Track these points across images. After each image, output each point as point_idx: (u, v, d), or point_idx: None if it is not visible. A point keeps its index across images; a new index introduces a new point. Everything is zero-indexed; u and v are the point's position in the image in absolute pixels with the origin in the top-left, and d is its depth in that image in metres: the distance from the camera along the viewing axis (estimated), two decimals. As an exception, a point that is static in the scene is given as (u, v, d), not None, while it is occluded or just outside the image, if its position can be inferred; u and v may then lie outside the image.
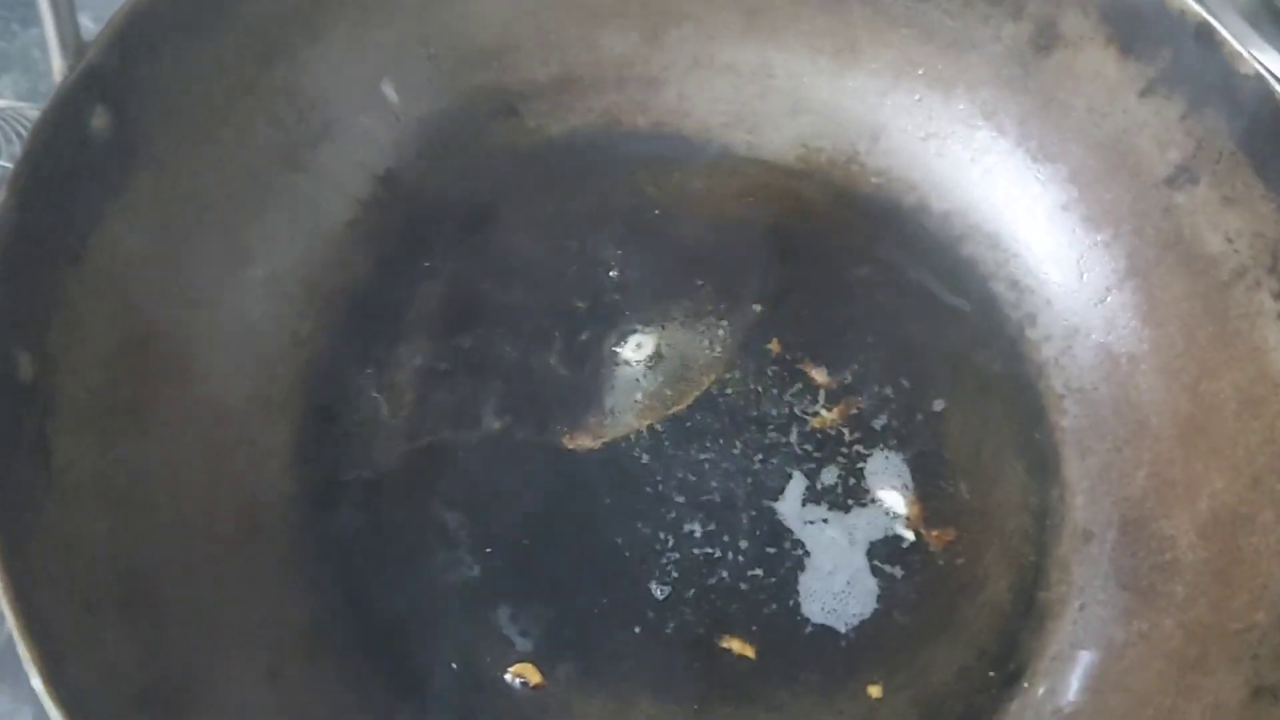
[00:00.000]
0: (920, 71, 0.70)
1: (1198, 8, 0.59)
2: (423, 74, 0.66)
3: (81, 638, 0.43)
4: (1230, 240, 0.61)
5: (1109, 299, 0.66)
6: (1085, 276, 0.67)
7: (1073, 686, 0.57)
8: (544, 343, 0.64)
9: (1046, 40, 0.66)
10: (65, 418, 0.47)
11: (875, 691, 0.57)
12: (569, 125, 0.70)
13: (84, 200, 0.50)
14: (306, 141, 0.62)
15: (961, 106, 0.70)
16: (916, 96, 0.71)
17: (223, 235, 0.58)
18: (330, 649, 0.54)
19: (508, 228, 0.67)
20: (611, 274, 0.66)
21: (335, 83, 0.63)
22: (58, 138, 0.48)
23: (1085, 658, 0.58)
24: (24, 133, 0.78)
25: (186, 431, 0.54)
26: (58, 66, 0.48)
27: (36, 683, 0.37)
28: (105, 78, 0.50)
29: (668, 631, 0.57)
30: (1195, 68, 0.61)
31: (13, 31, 0.91)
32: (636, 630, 0.57)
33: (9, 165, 0.82)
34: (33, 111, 0.81)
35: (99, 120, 0.50)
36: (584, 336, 0.65)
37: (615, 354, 0.64)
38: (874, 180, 0.71)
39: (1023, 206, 0.69)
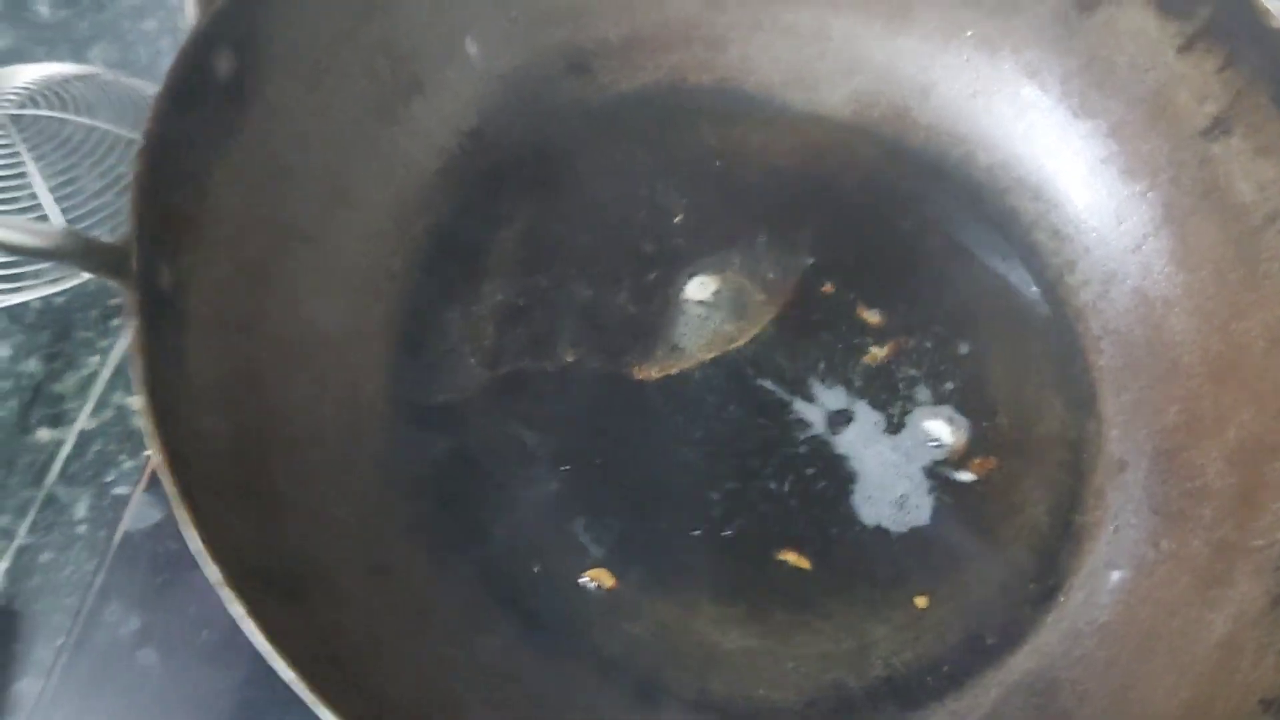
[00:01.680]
0: (969, 33, 0.74)
1: (1233, -34, 0.63)
2: (502, 32, 0.71)
3: (214, 520, 0.49)
4: (1263, 188, 0.65)
5: (1145, 245, 0.70)
6: (1123, 225, 0.71)
7: (1105, 601, 0.61)
8: (614, 282, 0.69)
9: (1089, 1, 0.70)
10: (194, 330, 0.53)
11: (921, 602, 0.62)
12: (638, 82, 0.75)
13: (208, 135, 0.56)
14: (399, 94, 0.68)
15: (1007, 66, 0.74)
16: (965, 57, 0.75)
17: (324, 177, 0.64)
18: (427, 550, 0.59)
19: (580, 177, 0.72)
20: (676, 220, 0.71)
21: (424, 39, 0.68)
22: (190, 76, 0.53)
23: (1117, 575, 0.62)
24: (112, 95, 0.86)
25: (293, 351, 0.60)
26: (191, 12, 0.53)
27: (195, 544, 0.43)
28: (230, 24, 0.55)
29: (727, 542, 0.62)
30: (1231, 24, 0.64)
31: (102, 4, 0.99)
32: (698, 539, 0.62)
33: (102, 125, 0.89)
34: (127, 80, 0.88)
35: (224, 62, 0.55)
36: (651, 277, 0.69)
37: (680, 293, 0.69)
38: (923, 135, 0.75)
39: (1064, 160, 0.73)
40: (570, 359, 0.67)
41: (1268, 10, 0.62)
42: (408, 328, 0.66)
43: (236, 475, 0.52)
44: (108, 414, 0.91)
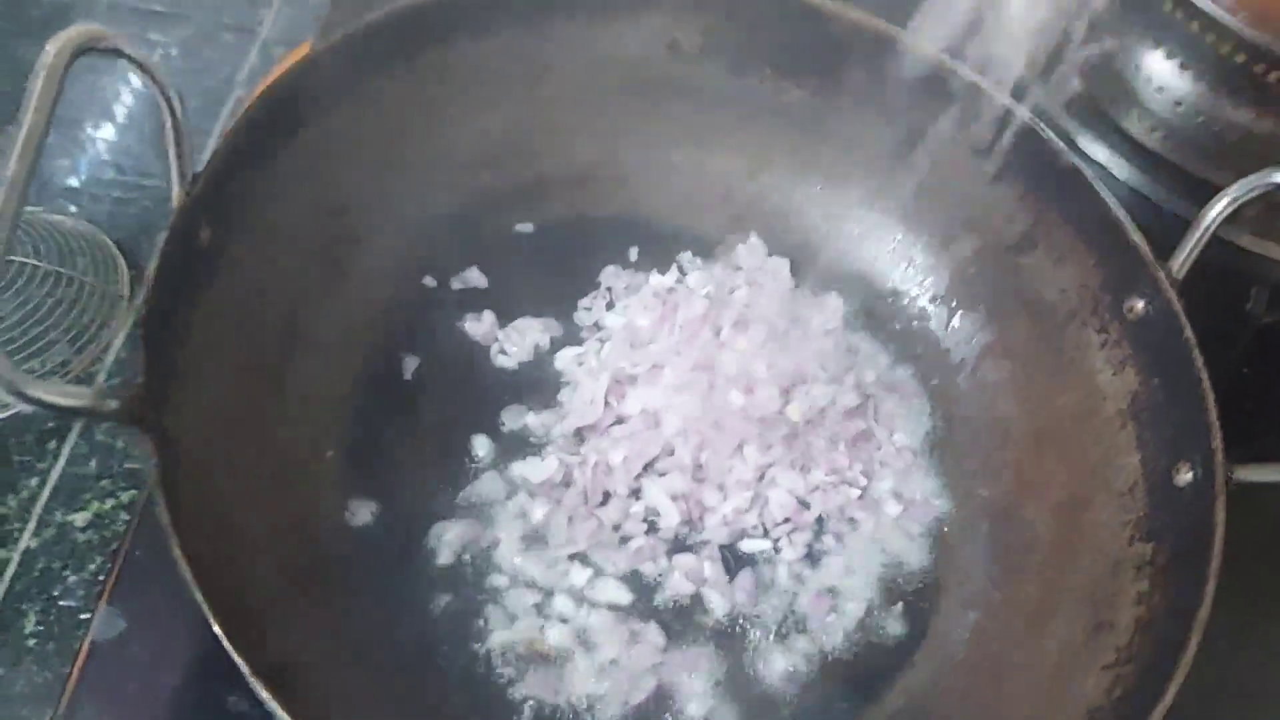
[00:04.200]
0: (822, 167, 0.88)
1: (1027, 115, 0.78)
2: (433, 185, 0.83)
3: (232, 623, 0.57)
4: (1062, 290, 0.80)
5: (975, 339, 0.85)
6: (958, 322, 0.85)
7: (962, 639, 0.74)
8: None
9: (915, 140, 0.84)
10: (185, 468, 0.61)
11: (814, 652, 0.73)
12: (549, 217, 0.87)
13: (189, 294, 0.65)
14: (342, 247, 0.79)
15: (854, 194, 0.88)
16: (818, 187, 0.89)
17: (281, 320, 0.74)
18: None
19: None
20: (585, 336, 0.83)
21: (363, 199, 0.80)
22: (176, 246, 0.63)
23: (970, 617, 0.75)
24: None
25: (264, 477, 0.69)
26: (176, 194, 0.63)
27: (227, 646, 0.51)
28: (209, 200, 0.65)
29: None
30: (1029, 161, 0.80)
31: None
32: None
33: (32, 262, 0.97)
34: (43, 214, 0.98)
35: (204, 233, 0.65)
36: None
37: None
38: (790, 253, 0.88)
39: (907, 267, 0.88)
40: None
41: (1058, 150, 0.78)
42: (353, 444, 0.75)
43: (232, 590, 0.61)
44: (50, 532, 0.97)
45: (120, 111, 1.27)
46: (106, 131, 1.26)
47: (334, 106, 0.75)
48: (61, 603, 0.94)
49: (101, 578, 0.97)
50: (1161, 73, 0.90)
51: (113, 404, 0.54)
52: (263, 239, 0.71)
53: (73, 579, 0.95)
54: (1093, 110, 0.99)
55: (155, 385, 0.58)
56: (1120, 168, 0.96)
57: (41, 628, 0.92)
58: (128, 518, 1.01)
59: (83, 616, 0.96)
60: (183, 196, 0.63)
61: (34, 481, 0.98)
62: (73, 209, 1.19)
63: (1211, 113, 0.88)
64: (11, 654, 0.89)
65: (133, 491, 1.01)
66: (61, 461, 1.02)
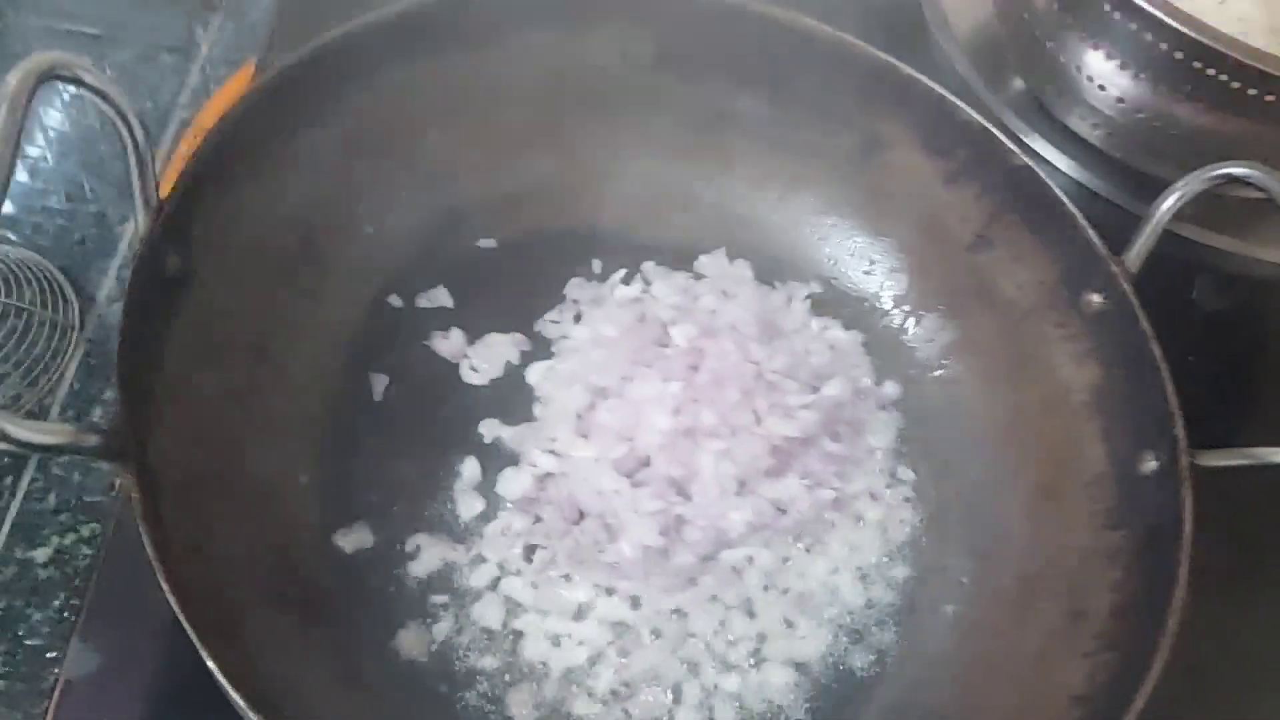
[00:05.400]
0: (780, 174, 0.89)
1: (979, 118, 0.80)
2: (394, 205, 0.83)
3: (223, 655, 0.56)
4: (1021, 287, 0.81)
5: (937, 338, 0.86)
6: (922, 321, 0.87)
7: (945, 633, 0.75)
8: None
9: (871, 146, 0.86)
10: (167, 497, 0.60)
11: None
12: (507, 232, 0.87)
13: (160, 322, 0.64)
14: (309, 269, 0.78)
15: (811, 199, 0.90)
16: (777, 194, 0.90)
17: (249, 343, 0.73)
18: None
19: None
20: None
21: (327, 222, 0.79)
22: (145, 275, 0.62)
23: (950, 610, 0.76)
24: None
25: (242, 502, 0.68)
26: (142, 222, 0.62)
27: (219, 679, 0.51)
28: (175, 227, 0.64)
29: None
30: (982, 162, 0.81)
31: None
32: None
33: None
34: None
35: (172, 261, 0.64)
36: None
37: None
38: (751, 259, 0.89)
39: (867, 271, 0.89)
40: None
41: (1010, 150, 0.79)
42: (328, 467, 0.75)
43: (222, 618, 0.60)
44: (11, 570, 0.94)
45: (57, 136, 1.25)
46: (44, 156, 1.23)
47: (294, 127, 0.75)
48: (28, 641, 0.92)
49: (66, 614, 0.95)
50: (1102, 71, 0.93)
51: (94, 439, 0.53)
52: (229, 263, 0.70)
53: (37, 617, 0.93)
54: (1036, 108, 1.02)
55: (135, 418, 0.57)
56: (1065, 164, 0.98)
57: (9, 668, 0.90)
58: (89, 552, 0.99)
59: (49, 655, 0.94)
60: (149, 224, 0.62)
61: (-9, 519, 0.95)
62: (13, 237, 1.16)
63: (1153, 109, 0.91)
64: (-24, 692, 0.86)
65: (93, 525, 0.99)
66: (19, 498, 1.00)
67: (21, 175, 1.22)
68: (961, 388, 0.84)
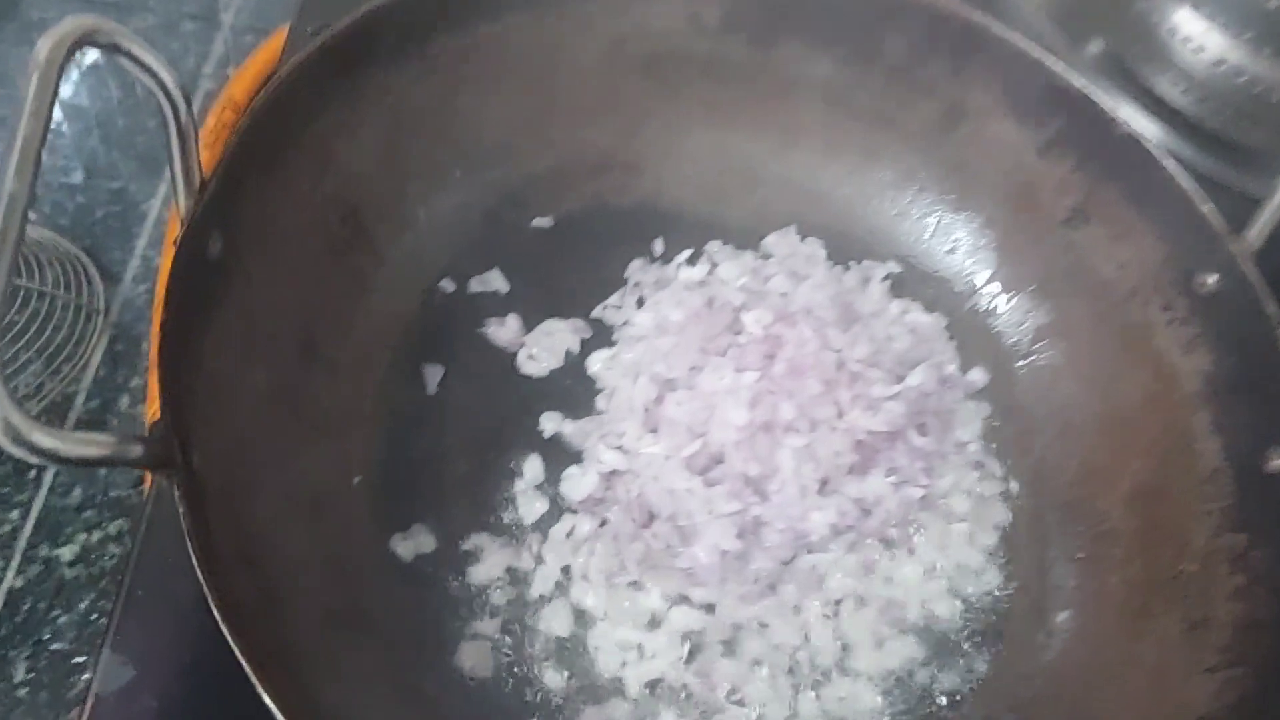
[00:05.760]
0: (854, 145, 0.83)
1: (1081, 82, 0.74)
2: (447, 185, 0.77)
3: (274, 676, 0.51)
4: (1122, 267, 0.75)
5: (1028, 321, 0.80)
6: (1010, 302, 0.81)
7: (1043, 643, 0.70)
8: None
9: (956, 114, 0.79)
10: (211, 504, 0.55)
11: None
12: (565, 208, 0.81)
13: (202, 312, 0.58)
14: (360, 258, 0.73)
15: (888, 173, 0.83)
16: (849, 167, 0.84)
17: (296, 336, 0.67)
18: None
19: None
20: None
21: (378, 205, 0.74)
22: (187, 260, 0.56)
23: (1052, 619, 0.70)
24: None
25: (290, 506, 0.63)
26: (184, 204, 0.56)
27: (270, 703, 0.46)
28: (218, 208, 0.58)
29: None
30: (1081, 130, 0.75)
31: None
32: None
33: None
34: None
35: (215, 244, 0.58)
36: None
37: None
38: (822, 237, 0.83)
39: (950, 249, 0.83)
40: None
41: (1114, 118, 0.73)
42: (380, 467, 0.69)
43: (271, 637, 0.55)
44: (35, 569, 0.90)
45: (79, 110, 1.19)
46: (66, 132, 1.18)
47: (342, 101, 0.69)
48: (52, 646, 0.87)
49: (94, 617, 0.90)
50: (1197, 31, 0.86)
51: (137, 450, 0.48)
52: (274, 248, 0.65)
53: (63, 619, 0.88)
54: (1119, 72, 0.95)
55: (178, 422, 0.52)
56: (1152, 132, 0.92)
57: (32, 675, 0.84)
58: (117, 550, 0.94)
59: (75, 661, 0.89)
60: (191, 206, 0.57)
61: (14, 514, 0.91)
62: (31, 216, 1.10)
63: (1254, 73, 0.84)
64: (1, 706, 0.82)
65: (120, 521, 0.95)
66: (43, 492, 0.95)
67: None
68: (1056, 375, 0.78)
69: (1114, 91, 0.93)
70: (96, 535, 0.95)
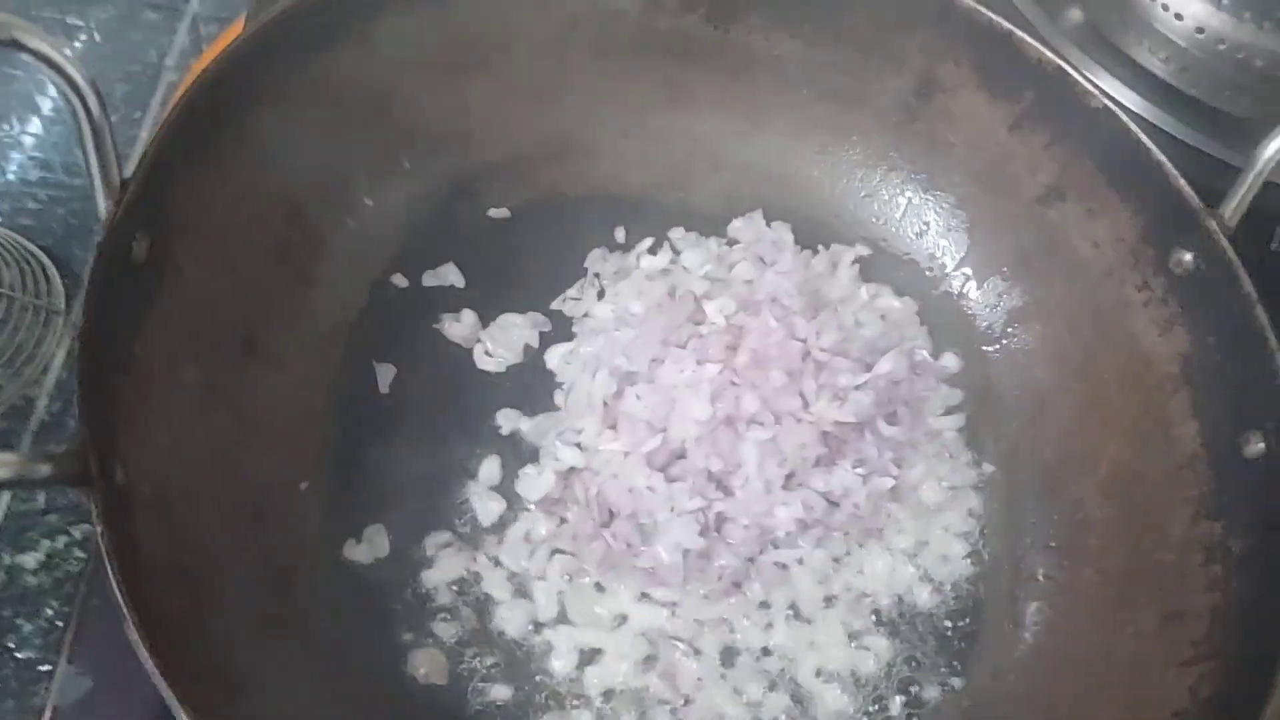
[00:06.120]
0: (822, 125, 0.80)
1: (1052, 55, 0.71)
2: (395, 174, 0.74)
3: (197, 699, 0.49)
4: (1097, 245, 0.73)
5: (1002, 303, 0.77)
6: (983, 285, 0.78)
7: (1018, 635, 0.68)
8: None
9: (927, 89, 0.77)
10: (141, 516, 0.53)
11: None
12: (520, 198, 0.79)
13: (129, 315, 0.56)
14: (303, 250, 0.71)
15: (858, 153, 0.81)
16: (819, 146, 0.81)
17: (237, 333, 0.65)
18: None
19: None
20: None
21: (320, 195, 0.71)
22: (107, 265, 0.54)
23: (1026, 610, 0.68)
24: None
25: (235, 514, 0.61)
26: (103, 205, 0.54)
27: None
28: (142, 209, 0.56)
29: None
30: (1054, 104, 0.72)
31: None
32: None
33: None
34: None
35: (139, 246, 0.56)
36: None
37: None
38: (791, 222, 0.81)
39: (923, 230, 0.80)
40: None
41: (1088, 90, 0.70)
42: (330, 471, 0.67)
43: (203, 652, 0.53)
44: (-1, 577, 0.87)
45: (43, 103, 1.16)
46: (27, 126, 1.15)
47: (280, 88, 0.66)
48: (18, 655, 0.85)
49: (59, 623, 0.88)
50: (1177, -3, 0.84)
51: (45, 469, 0.45)
52: (209, 245, 0.63)
53: (28, 628, 0.86)
54: (1097, 40, 0.92)
55: (97, 434, 0.50)
56: (1133, 101, 0.89)
57: (-1, 685, 0.82)
58: (82, 555, 0.92)
59: (41, 669, 0.87)
60: (111, 208, 0.54)
61: (-25, 521, 0.87)
62: (-9, 217, 1.07)
63: (1238, 40, 0.82)
64: (-35, 715, 0.80)
65: (85, 525, 0.92)
66: (5, 496, 0.93)
67: (2, 147, 1.15)
68: (1029, 358, 0.76)
69: (1092, 61, 0.90)
70: (61, 540, 0.92)
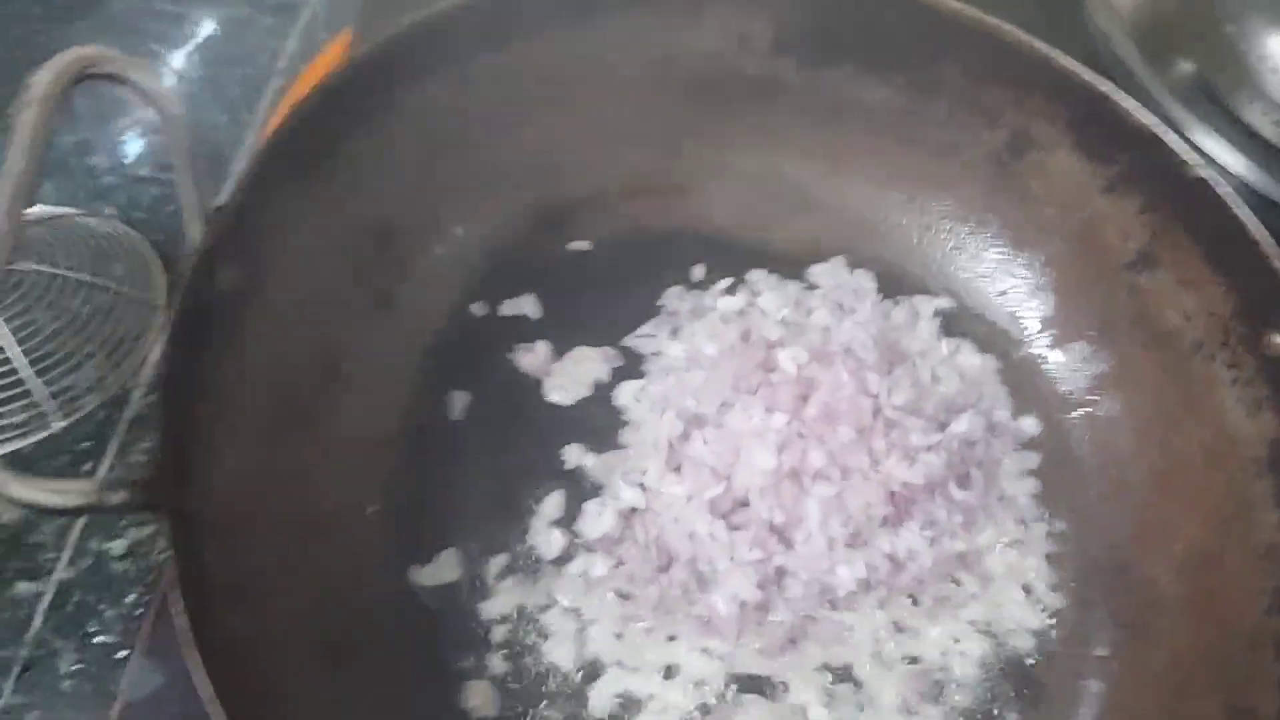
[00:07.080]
0: (911, 174, 0.79)
1: (1152, 119, 0.69)
2: (483, 206, 0.75)
3: None
4: (1188, 317, 0.70)
5: (1085, 368, 0.75)
6: (1068, 349, 0.76)
7: (1085, 708, 0.66)
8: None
9: (1020, 145, 0.75)
10: (210, 539, 0.55)
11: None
12: (604, 231, 0.79)
13: (215, 343, 0.58)
14: (387, 278, 0.72)
15: (948, 203, 0.79)
16: (907, 195, 0.80)
17: (318, 360, 0.67)
18: None
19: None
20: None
21: (409, 222, 0.73)
22: (195, 297, 0.56)
23: (1092, 687, 0.67)
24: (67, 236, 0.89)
25: (300, 537, 0.62)
26: (195, 233, 0.56)
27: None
28: (234, 239, 0.57)
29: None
30: (1150, 169, 0.70)
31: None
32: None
33: (61, 271, 0.92)
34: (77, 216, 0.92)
35: (229, 275, 0.58)
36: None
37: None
38: (872, 270, 0.80)
39: (1004, 285, 0.79)
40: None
41: (1185, 159, 0.68)
42: (397, 495, 0.69)
43: (258, 675, 0.54)
44: (86, 562, 0.91)
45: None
46: (144, 122, 1.18)
47: (374, 119, 0.68)
48: (97, 639, 0.88)
49: (139, 612, 0.91)
50: (1290, 57, 0.80)
51: (118, 496, 0.47)
52: (298, 273, 0.64)
53: (109, 613, 0.89)
54: (1206, 98, 0.89)
55: (171, 461, 0.52)
56: (1238, 164, 0.85)
57: (78, 667, 0.85)
58: (165, 545, 0.94)
59: (119, 655, 0.89)
60: (202, 234, 0.56)
61: (68, 509, 0.90)
62: (108, 210, 1.11)
63: (1352, 105, 0.78)
64: (46, 698, 0.83)
65: (170, 516, 0.95)
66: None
67: (120, 143, 1.19)
68: (1110, 427, 0.74)
69: (1198, 120, 0.87)
70: (146, 530, 0.95)
